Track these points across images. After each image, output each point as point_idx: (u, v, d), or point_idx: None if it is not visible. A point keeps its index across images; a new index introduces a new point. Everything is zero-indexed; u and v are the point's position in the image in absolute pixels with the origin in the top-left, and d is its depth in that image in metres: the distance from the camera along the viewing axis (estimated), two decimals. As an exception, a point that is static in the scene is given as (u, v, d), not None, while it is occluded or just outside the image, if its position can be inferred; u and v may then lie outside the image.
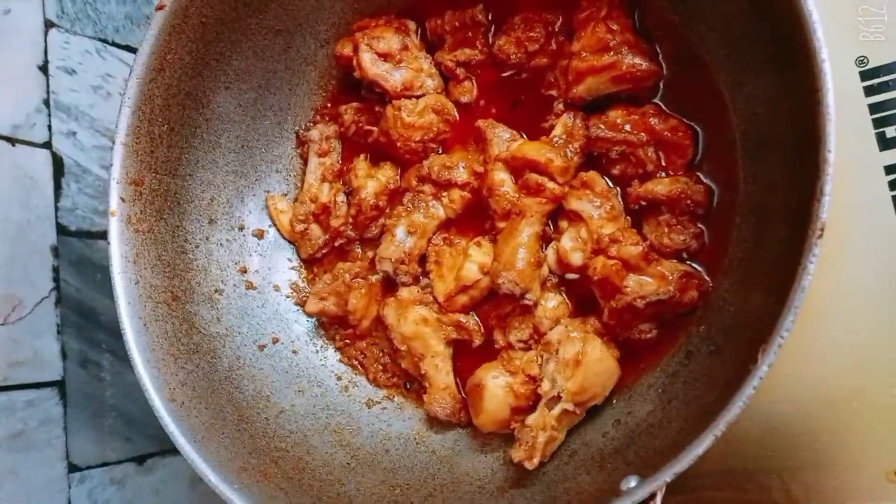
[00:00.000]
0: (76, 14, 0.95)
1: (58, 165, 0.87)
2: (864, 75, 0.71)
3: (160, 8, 0.71)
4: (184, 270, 0.76)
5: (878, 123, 0.69)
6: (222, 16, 0.75)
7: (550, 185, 0.68)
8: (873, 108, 0.70)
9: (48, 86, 0.87)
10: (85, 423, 0.88)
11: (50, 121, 0.88)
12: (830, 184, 0.45)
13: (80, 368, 0.87)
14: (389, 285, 0.79)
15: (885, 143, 0.69)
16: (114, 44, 1.00)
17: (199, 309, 0.76)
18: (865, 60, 0.71)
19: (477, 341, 0.73)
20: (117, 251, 0.70)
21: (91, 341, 0.90)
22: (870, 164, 0.69)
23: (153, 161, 0.74)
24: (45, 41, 0.89)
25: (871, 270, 0.68)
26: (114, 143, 0.72)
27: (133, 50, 1.03)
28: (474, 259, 0.71)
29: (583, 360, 0.63)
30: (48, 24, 0.89)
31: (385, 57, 0.76)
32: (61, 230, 0.86)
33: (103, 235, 0.91)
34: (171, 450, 0.87)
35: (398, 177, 0.80)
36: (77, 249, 0.90)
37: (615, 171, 0.69)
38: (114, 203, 0.71)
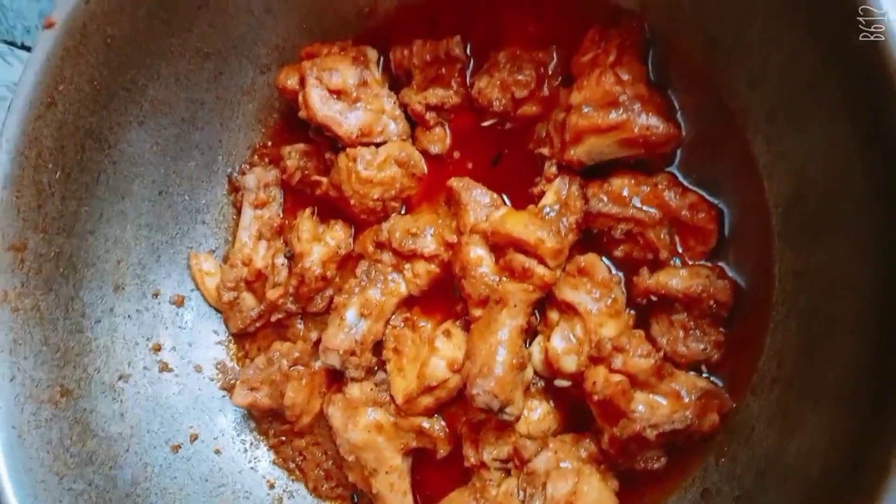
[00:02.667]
0: (-21, 12, 0.82)
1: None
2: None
3: (49, 26, 0.57)
4: (78, 354, 0.63)
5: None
6: (132, 35, 0.61)
7: (540, 269, 0.55)
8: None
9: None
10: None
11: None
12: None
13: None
14: (335, 374, 0.65)
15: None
16: (23, 47, 0.88)
17: (96, 404, 0.63)
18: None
19: (443, 452, 0.61)
20: (-13, 342, 0.55)
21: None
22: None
23: (40, 218, 0.61)
24: (-62, 42, 0.76)
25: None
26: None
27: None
28: (442, 353, 0.59)
29: (576, 502, 0.50)
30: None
31: (338, 94, 0.63)
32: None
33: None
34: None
35: (350, 239, 0.67)
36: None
37: (618, 254, 0.58)
38: (-14, 280, 0.56)
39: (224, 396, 0.69)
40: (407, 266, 0.62)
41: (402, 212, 0.66)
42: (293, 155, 0.68)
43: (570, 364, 0.54)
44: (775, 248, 0.52)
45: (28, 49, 0.88)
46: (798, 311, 0.50)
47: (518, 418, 0.56)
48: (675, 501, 0.54)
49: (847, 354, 0.43)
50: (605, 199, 0.56)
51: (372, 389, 0.61)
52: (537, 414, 0.57)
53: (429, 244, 0.61)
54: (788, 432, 0.47)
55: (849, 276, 0.45)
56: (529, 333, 0.59)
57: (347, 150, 0.63)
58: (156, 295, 0.69)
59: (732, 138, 0.54)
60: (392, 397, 0.61)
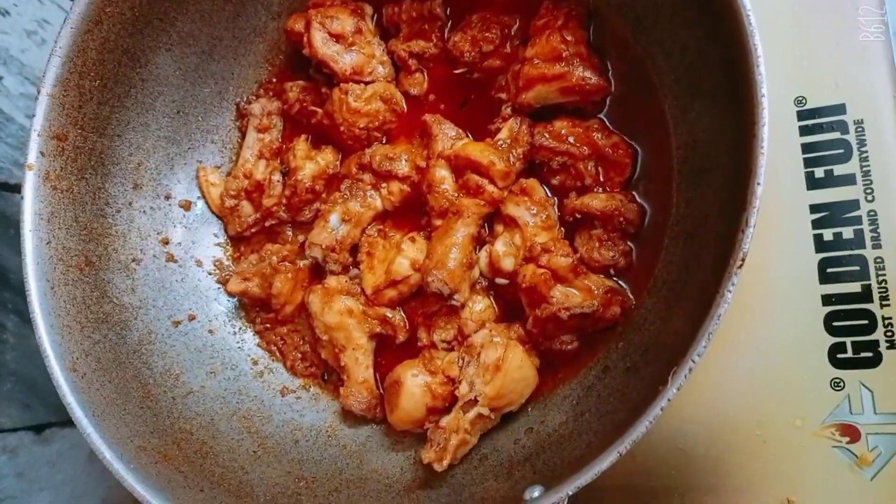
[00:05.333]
0: (16, -48, 0.90)
1: (-21, 111, 0.82)
2: (801, 115, 0.73)
3: (103, -44, 0.67)
4: (101, 235, 0.73)
5: (808, 163, 0.72)
6: None
7: (490, 187, 0.67)
8: (805, 147, 0.72)
9: (-23, 26, 0.83)
10: (-22, 386, 0.83)
11: (-24, 63, 0.83)
12: (756, 216, 0.46)
13: (-21, 328, 0.82)
14: (317, 272, 0.77)
15: (812, 183, 0.71)
16: None
17: (113, 277, 0.72)
18: (804, 100, 0.73)
19: (401, 338, 0.72)
20: (30, 207, 0.66)
21: (-5, 299, 0.85)
22: (796, 202, 0.71)
23: (80, 116, 0.71)
24: (-22, -24, 0.84)
25: (786, 305, 0.70)
26: (38, 92, 0.68)
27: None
28: (407, 254, 0.70)
29: (503, 366, 0.62)
30: (-16, -41, 0.84)
31: (337, 38, 0.74)
32: (-25, 180, 0.81)
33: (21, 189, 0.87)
34: (72, 422, 0.84)
35: (338, 162, 0.78)
36: (-10, 201, 0.85)
37: (555, 182, 0.69)
38: (32, 156, 0.67)
39: (219, 288, 0.80)
40: (384, 185, 0.73)
41: (383, 141, 0.77)
42: (294, 89, 0.79)
43: (508, 264, 0.66)
44: (674, 182, 0.63)
45: None
46: (684, 231, 0.62)
47: (463, 306, 0.68)
48: (583, 375, 0.65)
49: (707, 260, 0.56)
50: (547, 136, 0.68)
51: (346, 282, 0.73)
52: (479, 306, 0.69)
53: (403, 167, 0.72)
54: (668, 320, 0.60)
55: (712, 207, 0.57)
56: (479, 243, 0.70)
57: (341, 85, 0.74)
58: (167, 197, 0.79)
59: (649, 96, 0.66)
60: (363, 289, 0.72)
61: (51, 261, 0.67)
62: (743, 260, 0.46)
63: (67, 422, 0.93)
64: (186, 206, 0.80)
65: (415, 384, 0.65)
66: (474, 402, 0.63)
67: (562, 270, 0.63)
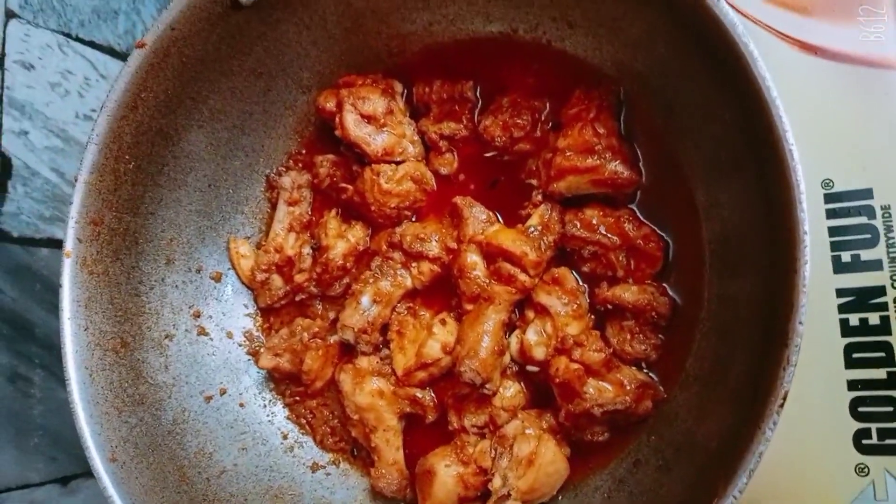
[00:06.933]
0: (40, 5, 0.91)
1: (5, 167, 0.82)
2: (828, 198, 0.73)
3: (140, 46, 0.68)
4: (135, 314, 0.74)
5: (834, 247, 0.72)
6: (204, 56, 0.72)
7: (522, 276, 0.68)
8: (832, 230, 0.72)
9: (2, 81, 0.82)
10: (7, 442, 0.84)
11: (1, 118, 0.83)
12: (797, 354, 0.46)
13: (8, 383, 0.83)
14: (347, 348, 0.78)
15: (839, 267, 0.72)
16: (77, 39, 0.95)
17: (147, 356, 0.73)
18: (831, 183, 0.74)
19: (431, 418, 0.73)
20: (69, 295, 0.67)
21: (23, 355, 0.86)
22: (823, 286, 0.72)
23: (115, 199, 0.71)
24: (4, 32, 0.84)
25: (812, 388, 0.71)
26: (76, 180, 0.69)
27: (97, 46, 0.99)
28: (438, 337, 0.71)
29: (536, 460, 0.63)
30: (9, 14, 0.84)
31: (369, 119, 0.75)
32: (2, 236, 0.81)
33: (47, 243, 0.87)
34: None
35: (368, 238, 0.79)
36: (17, 257, 0.85)
37: (585, 269, 0.70)
38: (70, 244, 0.68)
39: (249, 360, 0.80)
40: (414, 264, 0.74)
41: (413, 219, 0.78)
42: (325, 164, 0.80)
43: (540, 353, 0.68)
44: (706, 276, 0.64)
45: (81, 41, 0.98)
46: (716, 327, 0.63)
47: (495, 394, 0.69)
48: (613, 467, 0.66)
49: (742, 363, 0.57)
50: (578, 225, 0.69)
51: (377, 362, 0.74)
52: (510, 392, 0.70)
53: (433, 248, 0.73)
54: (701, 418, 0.61)
55: (748, 304, 0.58)
56: (510, 328, 0.71)
57: (372, 165, 0.75)
58: (199, 270, 0.80)
59: (680, 186, 0.66)
60: (393, 370, 0.73)
61: (89, 347, 0.68)
62: (784, 399, 0.47)
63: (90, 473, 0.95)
64: (217, 277, 0.81)
65: (448, 474, 0.66)
66: (507, 496, 0.64)
67: (595, 365, 0.64)
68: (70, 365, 0.65)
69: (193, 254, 0.80)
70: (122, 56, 1.02)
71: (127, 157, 0.71)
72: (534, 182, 0.72)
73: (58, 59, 0.95)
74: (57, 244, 0.89)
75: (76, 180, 0.68)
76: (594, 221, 0.69)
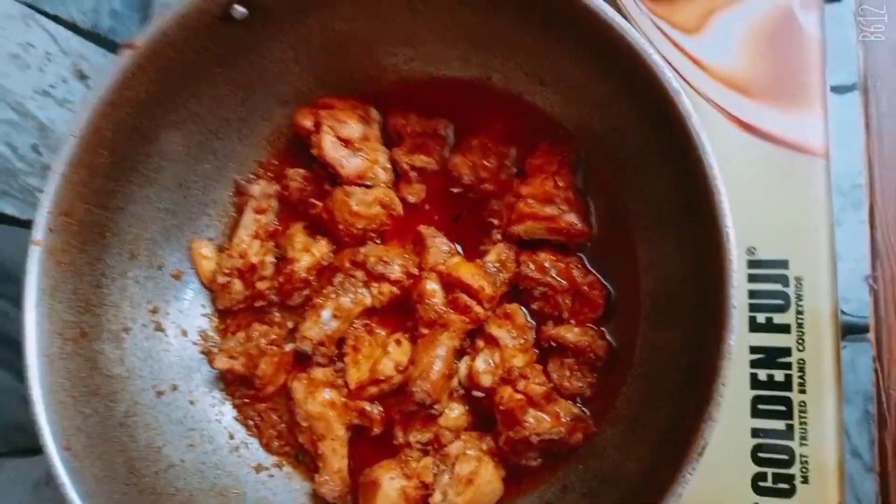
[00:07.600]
0: (5, -28, 0.89)
1: (-45, 137, 0.80)
2: (751, 263, 0.82)
3: (129, 47, 0.69)
4: (96, 305, 0.74)
5: (752, 308, 0.81)
6: (190, 62, 0.73)
7: (477, 308, 0.73)
8: (752, 293, 0.81)
9: (-42, 48, 0.81)
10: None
11: (-46, 87, 0.82)
12: (718, 411, 0.54)
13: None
14: (301, 357, 0.81)
15: (754, 326, 0.80)
16: (42, 12, 0.94)
17: (104, 347, 0.74)
18: (754, 251, 0.82)
19: (377, 431, 0.77)
20: (34, 283, 0.68)
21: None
22: (740, 342, 0.80)
23: (88, 192, 0.72)
24: (-35, -2, 0.83)
25: (721, 433, 0.78)
26: (50, 169, 0.69)
27: (62, 21, 0.97)
28: (392, 357, 0.75)
29: (475, 479, 0.69)
30: (-30, -20, 0.83)
31: (345, 142, 0.78)
32: (-54, 207, 0.81)
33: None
34: (20, 451, 0.84)
35: (332, 254, 0.82)
36: (-40, 229, 0.84)
37: (534, 307, 0.76)
38: (40, 233, 0.68)
39: (202, 359, 0.82)
40: (375, 284, 0.78)
41: (378, 241, 0.81)
42: (296, 178, 0.82)
43: (487, 381, 0.73)
44: (641, 325, 0.71)
45: (45, 14, 0.95)
46: (646, 373, 0.69)
47: (441, 414, 0.74)
48: (543, 490, 0.72)
49: (666, 409, 0.63)
50: (532, 266, 0.75)
51: (332, 374, 0.78)
52: (455, 413, 0.75)
53: (395, 271, 0.77)
54: (626, 454, 0.67)
55: (675, 355, 0.65)
56: (460, 354, 0.76)
57: (344, 186, 0.78)
58: (160, 267, 0.81)
59: (625, 240, 0.72)
60: (346, 383, 0.77)
61: (50, 335, 0.68)
62: (704, 449, 0.54)
63: (15, 452, 0.93)
64: (178, 276, 0.82)
65: (392, 487, 0.71)
66: (445, 510, 0.69)
67: (536, 397, 0.70)
68: (30, 352, 0.66)
69: (157, 251, 0.81)
70: (85, 33, 1.00)
71: (104, 152, 0.72)
72: (495, 221, 0.78)
73: (20, 30, 0.93)
74: (6, 220, 0.88)
75: (50, 170, 0.69)
76: (546, 265, 0.74)
